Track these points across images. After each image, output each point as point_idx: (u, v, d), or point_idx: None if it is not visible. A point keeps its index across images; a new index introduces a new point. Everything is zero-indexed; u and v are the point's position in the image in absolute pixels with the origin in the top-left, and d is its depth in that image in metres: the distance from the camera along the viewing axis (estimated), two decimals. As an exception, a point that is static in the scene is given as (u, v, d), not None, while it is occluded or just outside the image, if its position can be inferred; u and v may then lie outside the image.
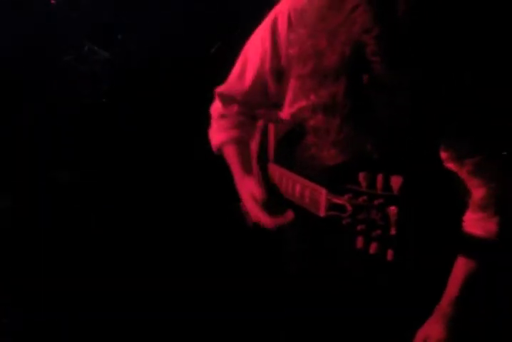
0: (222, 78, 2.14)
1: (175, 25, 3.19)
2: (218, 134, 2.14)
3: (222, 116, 2.14)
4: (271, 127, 2.05)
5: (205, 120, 2.22)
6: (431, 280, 1.92)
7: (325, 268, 2.03)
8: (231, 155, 2.11)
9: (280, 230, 2.00)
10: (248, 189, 2.01)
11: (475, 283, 1.88)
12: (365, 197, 1.46)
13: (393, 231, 1.41)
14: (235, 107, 2.11)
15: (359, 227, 1.47)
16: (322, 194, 1.61)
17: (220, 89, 2.13)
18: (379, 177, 1.46)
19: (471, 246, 1.87)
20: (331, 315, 2.04)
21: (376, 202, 1.44)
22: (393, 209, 1.41)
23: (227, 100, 2.12)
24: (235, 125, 2.12)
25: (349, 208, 1.49)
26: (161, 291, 3.06)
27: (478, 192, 1.84)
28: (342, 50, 1.60)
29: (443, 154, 1.84)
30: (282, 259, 2.20)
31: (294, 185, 1.82)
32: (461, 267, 1.86)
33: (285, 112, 2.01)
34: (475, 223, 1.85)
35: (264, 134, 2.08)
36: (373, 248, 1.46)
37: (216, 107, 2.16)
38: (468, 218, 1.87)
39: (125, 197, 3.45)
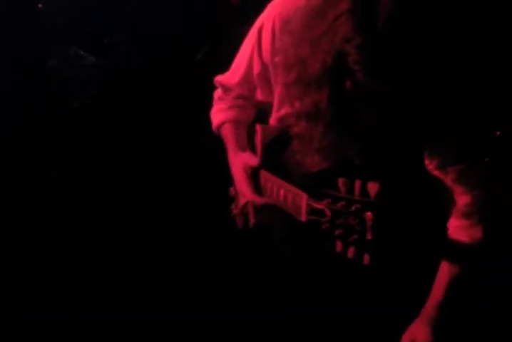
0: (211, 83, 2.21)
1: (163, 27, 3.20)
2: (217, 115, 2.23)
3: (221, 99, 2.22)
4: (258, 129, 2.08)
5: (197, 121, 2.28)
6: (416, 282, 1.95)
7: (313, 268, 2.06)
8: (227, 134, 2.18)
9: (267, 231, 2.04)
10: (240, 163, 2.08)
11: (460, 287, 1.89)
12: (343, 203, 1.50)
13: (369, 236, 1.45)
14: (233, 93, 2.18)
15: (337, 232, 1.51)
16: (303, 199, 1.65)
17: (219, 78, 2.21)
18: (357, 183, 1.49)
19: (456, 251, 1.88)
20: (320, 315, 2.07)
21: (353, 208, 1.48)
22: (369, 215, 1.45)
23: (225, 88, 2.20)
24: (232, 106, 2.19)
25: (328, 213, 1.53)
26: (161, 291, 3.07)
27: (462, 200, 1.85)
28: (324, 59, 1.63)
29: (428, 163, 1.87)
30: (271, 259, 2.24)
31: (279, 190, 1.86)
32: (445, 271, 1.88)
33: (272, 118, 2.05)
34: (460, 230, 1.87)
35: (252, 134, 2.14)
36: (351, 252, 1.50)
37: (216, 91, 2.25)
38: (452, 225, 1.89)
39: (124, 196, 3.45)
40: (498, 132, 2.09)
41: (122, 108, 3.43)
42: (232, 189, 2.42)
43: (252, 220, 2.18)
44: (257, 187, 2.05)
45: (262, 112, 2.16)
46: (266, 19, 1.95)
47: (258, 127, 2.09)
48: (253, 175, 2.07)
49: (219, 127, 2.23)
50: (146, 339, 3.05)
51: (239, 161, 2.10)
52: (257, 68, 2.00)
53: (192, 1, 3.34)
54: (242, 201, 2.29)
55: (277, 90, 1.97)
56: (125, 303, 3.07)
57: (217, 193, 2.51)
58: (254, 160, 2.04)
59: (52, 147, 3.49)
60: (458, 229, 1.87)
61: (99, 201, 3.48)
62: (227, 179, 2.23)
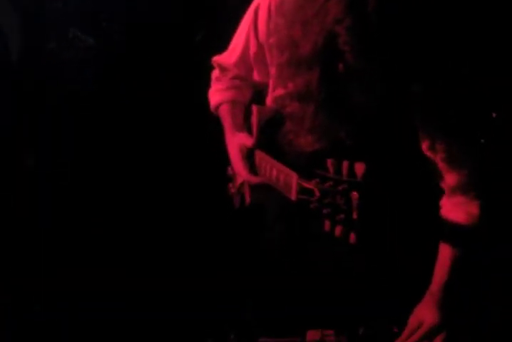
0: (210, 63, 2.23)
1: (161, 9, 3.20)
2: (214, 95, 2.27)
3: (218, 79, 2.26)
4: (254, 109, 2.11)
5: (199, 106, 2.31)
6: (407, 262, 1.99)
7: (303, 249, 2.10)
8: (224, 114, 2.22)
9: (261, 210, 2.08)
10: (237, 143, 2.12)
11: (463, 267, 1.91)
12: (331, 183, 1.53)
13: (355, 215, 1.48)
14: (230, 74, 2.22)
15: (325, 211, 1.53)
16: (294, 179, 1.68)
17: (216, 58, 2.25)
18: (344, 164, 1.52)
19: (453, 230, 1.90)
20: (316, 301, 2.11)
21: (340, 188, 1.51)
22: (355, 194, 1.48)
23: (222, 68, 2.23)
24: (230, 87, 2.23)
25: (317, 193, 1.56)
26: (161, 291, 3.09)
27: (458, 177, 1.88)
28: (316, 40, 1.66)
29: (422, 143, 1.89)
30: (262, 246, 2.27)
31: (272, 169, 1.89)
32: (446, 252, 1.90)
33: (268, 98, 2.08)
34: (456, 207, 1.89)
35: (248, 114, 2.17)
36: (338, 231, 1.53)
37: (214, 71, 2.29)
38: (448, 202, 1.91)
39: (124, 196, 3.42)
40: (493, 114, 2.13)
41: (120, 92, 3.40)
42: (229, 168, 2.46)
43: (247, 199, 2.22)
44: (253, 167, 2.08)
45: (259, 94, 2.20)
46: (261, 1, 1.97)
47: (254, 107, 2.11)
48: (248, 155, 2.10)
49: (216, 107, 2.26)
50: (146, 339, 3.07)
51: (236, 141, 2.14)
52: (253, 49, 2.04)
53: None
54: (238, 180, 2.33)
55: (272, 71, 2.00)
56: (125, 303, 3.09)
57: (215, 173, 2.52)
58: (249, 141, 2.07)
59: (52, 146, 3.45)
60: (454, 205, 1.90)
61: (99, 201, 3.44)
62: (225, 160, 2.26)
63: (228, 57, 2.18)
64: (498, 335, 2.08)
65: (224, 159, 2.24)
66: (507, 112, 2.13)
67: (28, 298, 3.09)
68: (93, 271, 3.16)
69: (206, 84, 2.31)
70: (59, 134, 3.37)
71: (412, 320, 1.93)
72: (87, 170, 3.40)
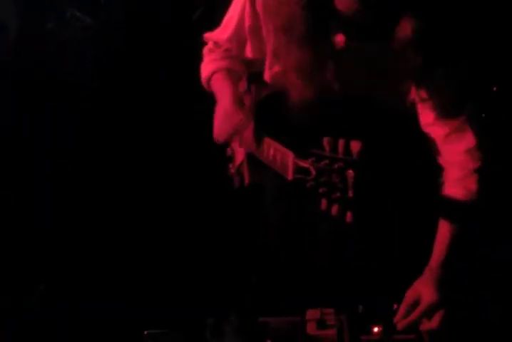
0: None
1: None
2: (207, 66, 2.23)
3: (211, 51, 2.23)
4: (252, 88, 2.10)
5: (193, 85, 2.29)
6: (405, 239, 1.99)
7: (300, 231, 2.09)
8: (218, 81, 2.18)
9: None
10: (224, 105, 2.08)
11: (462, 243, 1.91)
12: (327, 161, 1.52)
13: (350, 194, 1.47)
14: (223, 47, 2.19)
15: (321, 190, 1.52)
16: (290, 158, 1.67)
17: (208, 34, 2.23)
18: (340, 142, 1.51)
19: (452, 206, 1.90)
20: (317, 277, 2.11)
21: (336, 166, 1.50)
22: (350, 173, 1.47)
23: (215, 43, 2.21)
24: (223, 57, 2.20)
25: (313, 171, 1.55)
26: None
27: (458, 152, 1.88)
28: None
29: (423, 119, 1.89)
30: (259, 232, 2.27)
31: (269, 149, 1.88)
32: (444, 228, 1.90)
33: (266, 75, 2.05)
34: (457, 182, 1.90)
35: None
36: (334, 210, 1.52)
37: (206, 46, 2.25)
38: (449, 178, 1.92)
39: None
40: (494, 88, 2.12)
41: (119, 71, 3.38)
42: (228, 149, 2.45)
43: (246, 179, 2.21)
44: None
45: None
46: None
47: (252, 87, 2.11)
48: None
49: (209, 78, 2.22)
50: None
51: (224, 104, 2.10)
52: (248, 20, 2.00)
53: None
54: (238, 160, 2.32)
55: (269, 47, 1.97)
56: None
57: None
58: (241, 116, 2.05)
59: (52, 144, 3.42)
60: (454, 181, 1.91)
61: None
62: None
63: (221, 32, 2.15)
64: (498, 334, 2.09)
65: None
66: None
67: (29, 298, 3.08)
68: (92, 272, 3.12)
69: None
70: (59, 131, 3.36)
71: (409, 295, 1.93)
72: (85, 166, 3.39)
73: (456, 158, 1.90)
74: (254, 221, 2.35)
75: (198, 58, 2.28)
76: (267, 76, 2.05)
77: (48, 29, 3.28)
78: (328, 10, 1.64)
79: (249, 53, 2.08)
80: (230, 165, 2.44)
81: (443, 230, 1.90)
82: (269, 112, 1.99)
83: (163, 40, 3.21)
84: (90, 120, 3.34)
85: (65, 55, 3.30)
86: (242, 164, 2.25)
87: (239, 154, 2.30)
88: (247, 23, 2.00)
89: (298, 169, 1.61)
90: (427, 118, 1.90)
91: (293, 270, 2.12)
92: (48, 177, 3.39)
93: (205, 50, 2.25)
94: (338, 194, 1.49)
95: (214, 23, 2.20)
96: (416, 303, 1.90)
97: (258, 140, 2.01)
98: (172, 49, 3.20)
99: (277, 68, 1.92)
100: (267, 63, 2.02)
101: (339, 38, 1.68)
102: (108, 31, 3.27)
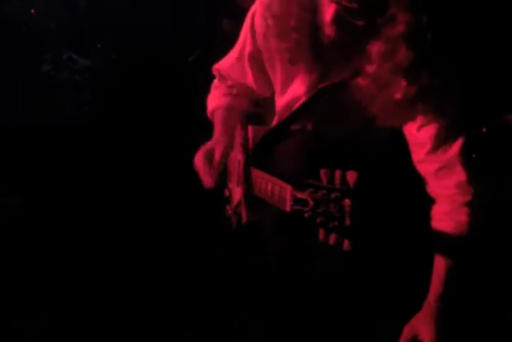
0: (204, 84, 2.29)
1: (155, 31, 3.27)
2: (211, 101, 2.36)
3: (216, 87, 2.36)
4: (249, 129, 2.16)
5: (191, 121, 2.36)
6: (401, 271, 2.00)
7: (299, 265, 2.11)
8: (218, 119, 2.30)
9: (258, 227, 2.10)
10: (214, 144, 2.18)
11: (458, 277, 1.93)
12: (324, 191, 1.56)
13: (347, 222, 1.50)
14: (228, 82, 2.31)
15: (318, 220, 1.56)
16: (288, 190, 1.71)
17: (217, 65, 2.33)
18: (337, 173, 1.56)
19: (444, 239, 1.92)
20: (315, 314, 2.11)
21: (333, 196, 1.54)
22: (347, 202, 1.51)
23: (221, 75, 2.32)
24: (226, 94, 2.33)
25: (311, 202, 1.59)
26: (162, 292, 3.12)
27: (446, 186, 1.92)
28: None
29: (415, 157, 1.94)
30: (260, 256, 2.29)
31: (266, 183, 1.93)
32: (439, 262, 1.92)
33: (278, 102, 2.14)
34: (444, 216, 1.93)
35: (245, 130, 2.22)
36: (332, 239, 1.55)
37: (214, 81, 2.38)
38: (436, 212, 1.95)
39: (124, 197, 3.47)
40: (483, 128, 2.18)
41: (116, 112, 3.44)
42: (226, 190, 2.48)
43: (244, 218, 2.24)
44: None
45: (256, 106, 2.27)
46: (258, 6, 2.04)
47: (249, 127, 2.17)
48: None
49: (212, 113, 2.34)
50: (146, 339, 3.06)
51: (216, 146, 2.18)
52: (248, 48, 2.10)
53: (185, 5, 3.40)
54: (235, 201, 2.36)
55: (278, 76, 2.06)
56: (126, 303, 3.10)
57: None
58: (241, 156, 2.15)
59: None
60: (442, 215, 1.93)
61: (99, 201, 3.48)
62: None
63: (225, 61, 2.26)
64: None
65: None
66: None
67: (29, 298, 3.09)
68: (92, 272, 3.18)
69: (202, 101, 2.37)
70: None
71: (407, 331, 1.93)
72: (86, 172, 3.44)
73: (446, 192, 1.93)
74: (254, 259, 2.36)
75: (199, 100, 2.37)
76: (279, 103, 2.13)
77: (45, 71, 3.36)
78: None
79: (250, 81, 2.16)
80: (228, 207, 2.47)
81: (438, 264, 1.92)
82: (265, 145, 2.05)
83: (160, 81, 3.29)
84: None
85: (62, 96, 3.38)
86: (240, 204, 2.29)
87: (237, 195, 2.34)
88: (248, 49, 2.10)
89: (295, 201, 1.65)
90: (418, 155, 1.95)
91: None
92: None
93: (212, 85, 2.37)
94: (335, 223, 1.53)
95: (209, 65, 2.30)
96: (414, 340, 1.91)
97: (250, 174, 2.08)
98: (170, 90, 3.28)
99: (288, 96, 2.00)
100: (277, 90, 2.10)
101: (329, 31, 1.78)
102: (104, 73, 3.35)
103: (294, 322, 2.09)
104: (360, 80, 1.83)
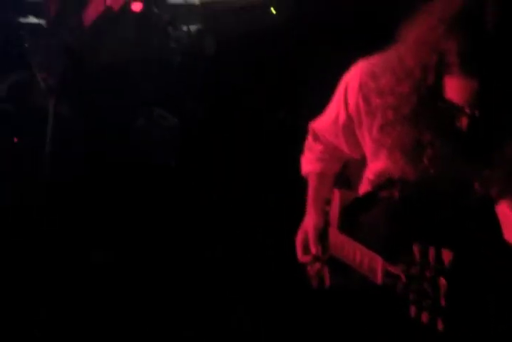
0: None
1: (240, 91, 3.34)
2: (305, 165, 2.39)
3: (309, 149, 2.36)
4: (336, 193, 2.17)
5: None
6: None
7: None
8: (310, 184, 2.35)
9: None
10: (307, 222, 2.25)
11: None
12: (418, 268, 1.56)
13: (443, 302, 1.49)
14: (321, 145, 2.30)
15: (411, 296, 1.55)
16: (379, 263, 1.71)
17: (313, 124, 2.33)
18: (431, 250, 1.55)
19: None
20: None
21: (428, 274, 1.53)
22: (443, 281, 1.50)
23: (315, 135, 2.31)
24: (319, 159, 2.33)
25: (403, 278, 1.58)
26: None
27: None
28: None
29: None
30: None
31: (355, 252, 1.92)
32: None
33: (369, 170, 2.11)
34: None
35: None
36: (424, 317, 1.54)
37: (307, 139, 2.38)
38: None
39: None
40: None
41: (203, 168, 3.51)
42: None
43: (327, 282, 2.24)
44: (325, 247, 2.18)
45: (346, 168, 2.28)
46: (350, 79, 2.02)
47: (336, 192, 2.17)
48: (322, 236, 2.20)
49: (306, 175, 2.38)
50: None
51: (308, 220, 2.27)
52: (342, 119, 2.08)
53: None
54: (317, 264, 2.35)
55: (368, 145, 2.04)
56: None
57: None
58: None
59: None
60: None
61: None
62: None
63: (321, 122, 2.26)
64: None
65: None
66: None
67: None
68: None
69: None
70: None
71: None
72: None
73: None
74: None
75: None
76: (369, 172, 2.11)
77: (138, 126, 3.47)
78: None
79: (344, 146, 2.16)
80: (309, 267, 2.46)
81: None
82: (356, 215, 2.05)
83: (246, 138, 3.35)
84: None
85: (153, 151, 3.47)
86: (323, 268, 2.28)
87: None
88: (341, 121, 2.09)
89: (387, 274, 1.65)
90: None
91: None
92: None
93: (306, 144, 2.37)
94: (429, 302, 1.52)
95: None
96: None
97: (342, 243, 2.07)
98: (257, 149, 3.33)
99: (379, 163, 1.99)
100: (368, 157, 2.09)
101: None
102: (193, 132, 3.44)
103: None
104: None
